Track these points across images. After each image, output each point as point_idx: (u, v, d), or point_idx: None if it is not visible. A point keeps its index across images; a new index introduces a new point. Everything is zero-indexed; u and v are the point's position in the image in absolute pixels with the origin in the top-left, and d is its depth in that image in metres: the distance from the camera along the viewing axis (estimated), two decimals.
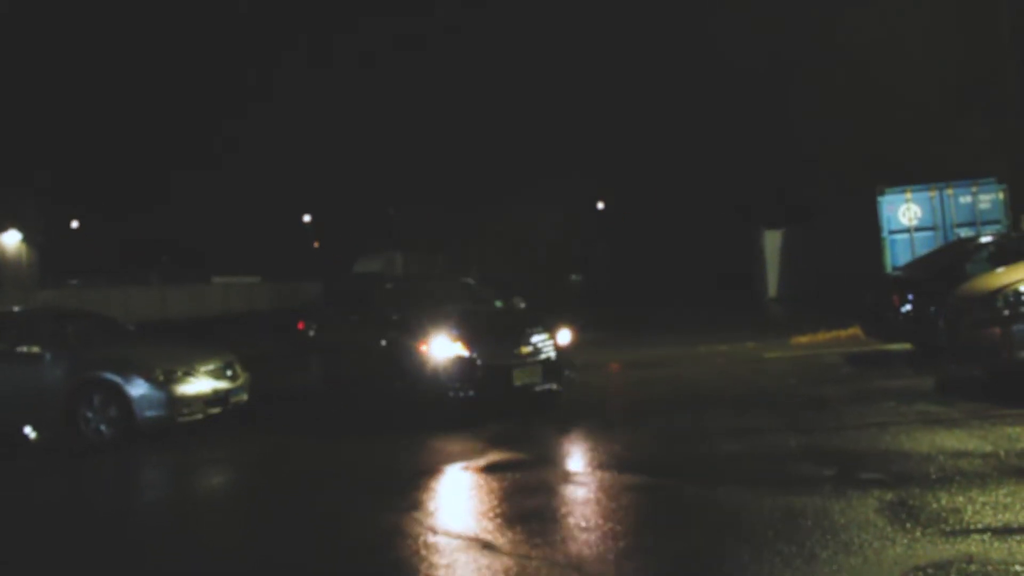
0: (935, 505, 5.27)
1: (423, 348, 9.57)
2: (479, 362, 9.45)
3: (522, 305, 12.58)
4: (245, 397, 10.40)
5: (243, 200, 44.85)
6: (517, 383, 9.52)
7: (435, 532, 5.74)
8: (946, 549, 4.58)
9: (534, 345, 9.77)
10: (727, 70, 29.63)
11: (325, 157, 45.02)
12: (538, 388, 9.74)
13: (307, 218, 46.83)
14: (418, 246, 34.64)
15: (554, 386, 9.90)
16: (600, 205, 43.57)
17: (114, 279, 32.60)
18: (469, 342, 9.52)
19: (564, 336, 10.34)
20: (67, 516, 7.08)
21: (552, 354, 9.88)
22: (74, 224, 42.37)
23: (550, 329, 10.17)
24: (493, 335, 9.88)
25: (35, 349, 9.85)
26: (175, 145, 43.63)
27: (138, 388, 9.47)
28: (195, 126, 43.86)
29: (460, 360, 9.42)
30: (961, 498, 5.36)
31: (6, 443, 10.18)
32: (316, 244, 48.24)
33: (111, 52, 43.71)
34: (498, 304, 11.95)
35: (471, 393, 9.39)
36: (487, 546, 5.27)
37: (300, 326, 13.06)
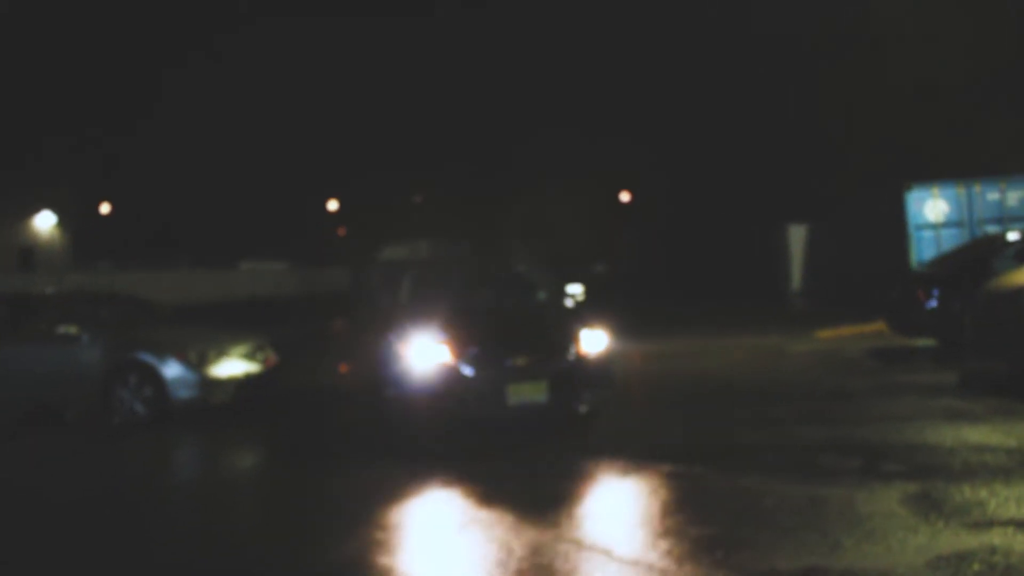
0: (959, 497, 5.35)
1: (405, 351, 8.19)
2: (466, 372, 7.82)
3: (571, 295, 10.36)
4: (276, 380, 10.60)
5: (268, 186, 45.19)
6: (512, 401, 7.71)
7: (460, 516, 5.90)
8: (969, 540, 4.66)
9: (539, 353, 8.02)
10: (752, 63, 29.52)
11: (350, 143, 45.24)
12: (544, 408, 7.86)
13: (333, 205, 47.09)
14: (443, 234, 34.80)
15: (581, 407, 8.11)
16: (625, 197, 43.57)
17: (144, 262, 33.03)
18: (456, 346, 7.92)
19: (595, 340, 8.28)
20: (98, 494, 7.26)
21: (570, 365, 8.03)
22: (104, 208, 42.83)
23: (571, 331, 8.28)
24: (487, 338, 8.11)
25: (72, 330, 10.08)
26: (200, 133, 44.01)
27: (172, 369, 9.67)
28: (216, 115, 44.21)
29: (442, 369, 7.84)
30: (984, 491, 5.44)
31: (43, 421, 10.43)
32: (342, 231, 48.50)
33: (129, 36, 44.01)
34: (541, 296, 10.18)
35: (454, 410, 7.88)
36: (516, 528, 5.41)
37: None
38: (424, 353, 7.95)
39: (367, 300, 11.40)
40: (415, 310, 9.01)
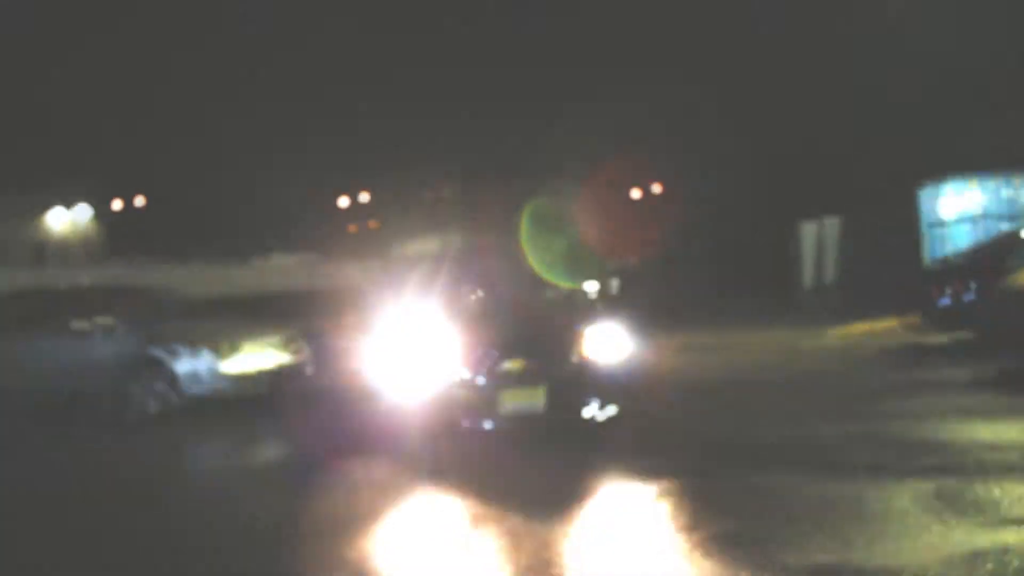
0: (972, 496, 5.32)
1: (394, 352, 7.51)
2: (455, 377, 7.09)
3: (605, 289, 9.34)
4: (307, 370, 10.71)
5: (298, 179, 45.53)
6: (506, 409, 6.98)
7: (470, 513, 5.97)
8: (983, 539, 4.62)
9: (539, 356, 7.21)
10: (780, 55, 29.24)
11: (377, 136, 45.40)
12: (543, 416, 7.09)
13: (364, 198, 47.36)
14: (472, 227, 34.84)
15: (590, 414, 7.16)
16: (656, 189, 43.41)
17: (177, 254, 33.43)
18: (448, 348, 7.20)
19: (610, 340, 7.40)
20: (102, 488, 7.33)
21: (575, 368, 7.24)
22: (139, 201, 43.38)
23: (581, 331, 7.39)
24: (484, 339, 7.29)
25: (108, 322, 10.31)
26: (232, 124, 44.46)
27: (204, 360, 9.87)
28: (248, 107, 44.58)
29: (430, 373, 7.10)
30: (998, 490, 5.40)
31: (72, 412, 10.60)
32: (373, 224, 48.75)
33: (157, 30, 44.34)
34: (558, 292, 9.20)
35: (442, 417, 7.07)
36: (527, 524, 5.44)
37: None
38: (406, 353, 7.28)
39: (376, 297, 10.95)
40: (409, 308, 8.09)
